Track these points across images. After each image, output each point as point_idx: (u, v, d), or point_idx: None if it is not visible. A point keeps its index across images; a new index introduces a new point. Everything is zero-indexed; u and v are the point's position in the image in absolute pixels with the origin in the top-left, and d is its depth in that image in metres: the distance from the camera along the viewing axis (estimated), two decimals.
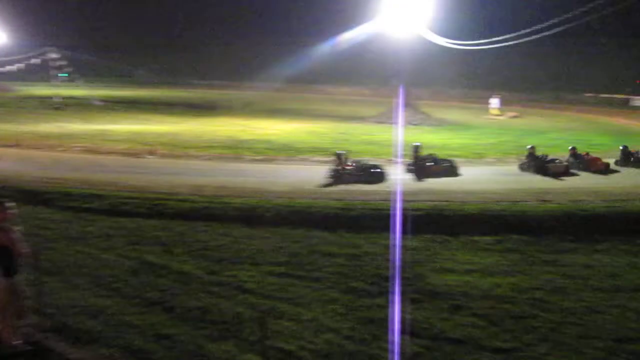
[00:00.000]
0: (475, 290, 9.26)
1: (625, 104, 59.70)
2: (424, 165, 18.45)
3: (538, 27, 32.07)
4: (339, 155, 17.54)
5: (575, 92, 66.74)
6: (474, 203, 14.23)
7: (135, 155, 21.97)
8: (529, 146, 20.02)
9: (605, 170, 19.44)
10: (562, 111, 51.56)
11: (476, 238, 12.03)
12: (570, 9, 30.16)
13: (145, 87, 74.50)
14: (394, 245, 11.11)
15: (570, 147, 20.70)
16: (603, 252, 11.88)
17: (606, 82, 67.65)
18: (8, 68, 52.10)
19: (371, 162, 18.49)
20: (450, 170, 18.61)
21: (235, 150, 23.21)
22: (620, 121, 42.20)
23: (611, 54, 76.27)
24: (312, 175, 18.51)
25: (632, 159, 20.37)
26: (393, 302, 8.42)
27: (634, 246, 12.29)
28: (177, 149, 23.42)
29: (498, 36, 35.45)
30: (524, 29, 34.06)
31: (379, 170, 17.55)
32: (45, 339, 6.96)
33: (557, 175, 18.49)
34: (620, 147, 21.31)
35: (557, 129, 35.28)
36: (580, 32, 44.55)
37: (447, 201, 14.40)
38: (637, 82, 67.43)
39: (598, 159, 19.98)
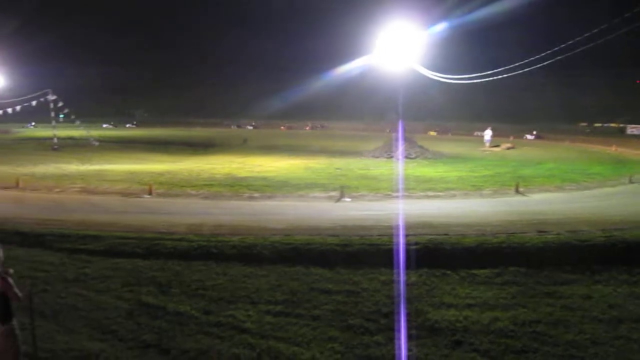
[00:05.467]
0: (476, 325, 9.15)
1: (622, 132, 60.33)
2: None
3: (529, 60, 32.52)
4: None
5: (569, 122, 67.48)
6: (472, 236, 14.19)
7: (132, 195, 21.97)
8: None
9: None
10: (556, 141, 51.98)
11: (475, 271, 11.93)
12: (560, 41, 30.60)
13: (141, 127, 75.08)
14: (393, 281, 11.04)
15: None
16: (603, 282, 11.78)
17: (599, 111, 68.38)
18: (6, 110, 52.41)
19: None
20: None
21: (233, 187, 23.24)
22: (615, 150, 42.49)
23: (602, 84, 77.30)
24: (309, 211, 18.55)
25: None
26: (392, 340, 8.32)
27: (634, 276, 12.20)
28: (174, 187, 23.44)
29: (490, 70, 35.95)
30: (514, 62, 34.59)
31: None
32: None
33: None
34: None
35: (553, 159, 35.50)
36: (572, 63, 45.27)
37: (445, 234, 14.36)
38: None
39: None
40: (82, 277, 11.51)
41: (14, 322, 6.63)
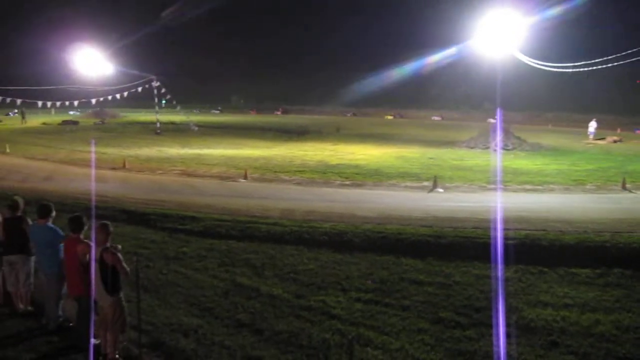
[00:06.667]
0: (574, 327, 8.72)
1: None
2: None
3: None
4: None
5: None
6: (572, 233, 13.51)
7: (229, 178, 22.76)
8: None
9: None
10: None
11: (575, 270, 11.36)
12: None
13: (239, 113, 77.39)
14: (487, 275, 10.75)
15: None
16: None
17: None
18: (113, 96, 55.74)
19: None
20: None
21: (325, 174, 23.48)
22: None
23: None
24: (401, 200, 18.41)
25: None
26: (485, 335, 8.11)
27: None
28: (268, 173, 24.05)
29: (594, 59, 33.87)
30: (623, 51, 32.32)
31: None
32: (143, 354, 7.27)
33: None
34: None
35: None
36: None
37: (543, 230, 13.78)
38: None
39: None
40: (181, 255, 12.10)
41: (121, 294, 7.10)
